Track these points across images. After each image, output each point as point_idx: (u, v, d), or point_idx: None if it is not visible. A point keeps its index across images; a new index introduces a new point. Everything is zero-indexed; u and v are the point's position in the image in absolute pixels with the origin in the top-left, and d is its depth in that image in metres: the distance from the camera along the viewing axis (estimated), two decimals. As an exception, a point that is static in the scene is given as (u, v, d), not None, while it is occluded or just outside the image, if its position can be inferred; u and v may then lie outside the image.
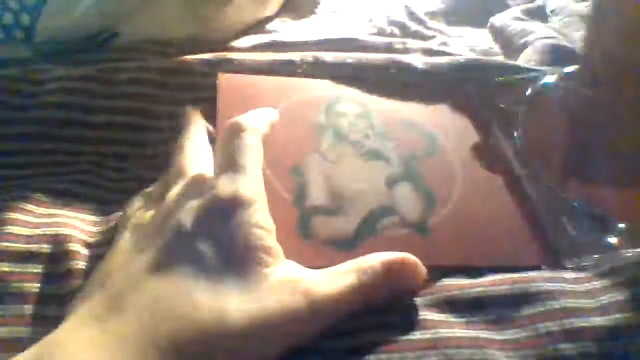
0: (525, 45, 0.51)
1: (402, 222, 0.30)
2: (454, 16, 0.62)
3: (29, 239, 0.30)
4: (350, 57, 0.40)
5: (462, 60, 0.40)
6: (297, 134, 0.34)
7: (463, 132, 0.37)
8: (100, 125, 0.39)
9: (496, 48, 0.55)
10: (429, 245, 0.29)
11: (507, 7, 0.62)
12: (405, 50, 0.47)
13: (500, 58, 0.52)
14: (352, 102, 0.37)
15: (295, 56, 0.41)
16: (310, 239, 0.28)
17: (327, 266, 0.26)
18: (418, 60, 0.39)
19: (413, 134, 0.36)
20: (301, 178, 0.31)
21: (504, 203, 0.33)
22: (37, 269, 0.29)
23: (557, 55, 0.47)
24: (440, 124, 0.37)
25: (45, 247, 0.30)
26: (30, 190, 0.35)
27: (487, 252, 0.29)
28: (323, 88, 0.38)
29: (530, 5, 0.61)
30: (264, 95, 0.36)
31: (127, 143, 0.39)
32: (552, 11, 0.61)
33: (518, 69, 0.41)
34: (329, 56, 0.40)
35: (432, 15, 0.61)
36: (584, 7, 0.61)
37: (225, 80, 0.36)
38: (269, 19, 0.55)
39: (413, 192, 0.32)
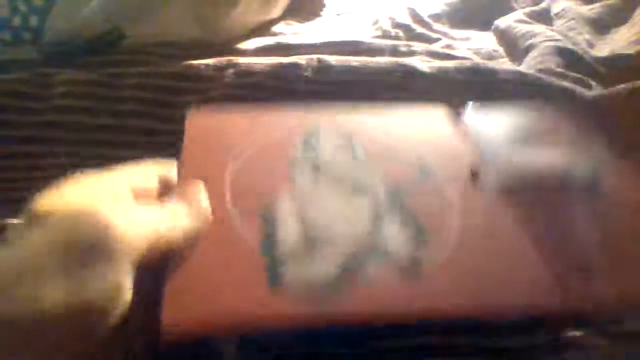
0: (530, 48, 0.51)
1: (391, 265, 0.25)
2: (458, 19, 0.62)
3: None
4: (355, 59, 0.40)
5: (468, 64, 0.40)
6: (269, 172, 0.30)
7: (458, 159, 0.33)
8: (107, 128, 0.39)
9: (501, 50, 0.55)
10: (423, 293, 0.25)
11: (512, 10, 0.62)
12: (410, 53, 0.47)
13: (505, 60, 0.52)
14: (332, 132, 0.34)
15: (301, 59, 0.41)
16: (282, 290, 0.24)
17: (302, 322, 0.23)
18: (423, 64, 0.40)
19: (401, 164, 0.32)
20: (271, 221, 0.27)
21: (506, 244, 0.28)
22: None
23: (561, 57, 0.48)
24: (432, 151, 0.33)
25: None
26: (36, 194, 0.35)
27: (489, 302, 0.25)
28: (299, 119, 0.34)
29: (534, 8, 0.61)
30: (234, 130, 0.32)
31: (134, 146, 0.39)
32: (556, 14, 0.61)
33: (523, 75, 0.41)
34: (334, 59, 0.41)
35: (437, 18, 0.61)
36: (588, 11, 0.61)
37: (194, 115, 0.33)
38: (274, 22, 0.55)
39: (402, 230, 0.27)
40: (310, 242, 0.26)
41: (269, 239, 0.26)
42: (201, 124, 0.32)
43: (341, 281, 0.24)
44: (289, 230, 0.27)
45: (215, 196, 0.27)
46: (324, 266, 0.25)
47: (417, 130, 0.35)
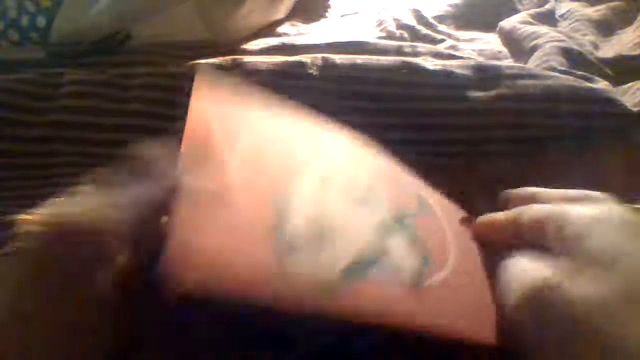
0: (534, 49, 0.51)
1: (395, 277, 0.25)
2: (463, 20, 0.63)
3: None
4: (359, 58, 0.40)
5: (472, 63, 0.40)
6: (284, 162, 0.29)
7: (449, 203, 0.34)
8: (113, 127, 0.39)
9: (505, 51, 0.55)
10: (421, 309, 0.25)
11: (516, 11, 0.62)
12: (415, 54, 0.47)
13: (509, 61, 0.52)
14: (341, 151, 0.33)
15: (306, 58, 0.41)
16: (289, 278, 0.23)
17: (306, 312, 0.22)
18: (429, 63, 0.40)
19: (402, 192, 0.32)
20: (285, 205, 0.25)
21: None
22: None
23: (566, 58, 0.47)
24: (428, 190, 0.34)
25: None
26: (44, 192, 0.35)
27: (480, 331, 0.25)
28: (315, 119, 0.33)
29: (539, 10, 0.61)
30: (245, 106, 0.30)
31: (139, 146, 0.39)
32: (561, 15, 0.62)
33: (526, 70, 0.41)
34: (338, 57, 0.41)
35: (441, 19, 0.61)
36: (593, 12, 0.61)
37: (202, 80, 0.30)
38: (279, 22, 0.56)
39: (409, 248, 0.27)
40: (323, 231, 0.25)
41: (282, 223, 0.25)
42: (209, 89, 0.29)
43: (344, 277, 0.24)
44: (303, 217, 0.25)
45: (222, 172, 0.25)
46: (334, 257, 0.24)
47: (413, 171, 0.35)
